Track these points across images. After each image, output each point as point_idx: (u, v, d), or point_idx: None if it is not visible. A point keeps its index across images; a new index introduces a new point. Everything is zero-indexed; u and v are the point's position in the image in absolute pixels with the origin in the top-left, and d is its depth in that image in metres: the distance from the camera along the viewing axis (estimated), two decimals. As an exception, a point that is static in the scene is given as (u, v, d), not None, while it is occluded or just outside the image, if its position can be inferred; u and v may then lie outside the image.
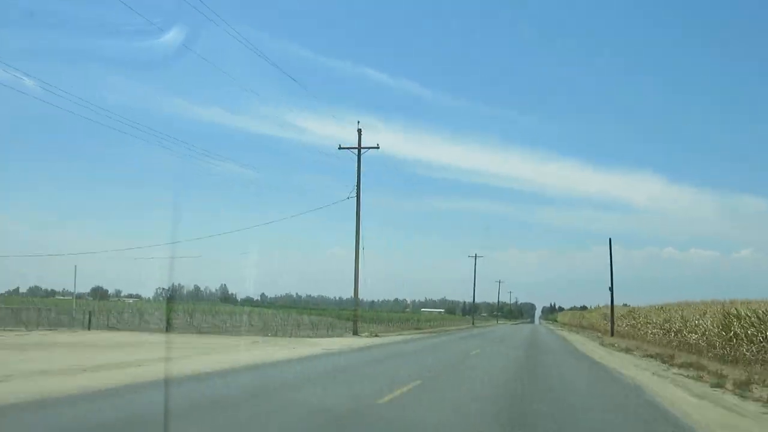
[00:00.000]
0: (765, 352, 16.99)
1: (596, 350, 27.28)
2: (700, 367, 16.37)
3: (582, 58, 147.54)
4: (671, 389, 12.34)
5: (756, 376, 13.47)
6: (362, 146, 34.57)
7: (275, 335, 30.44)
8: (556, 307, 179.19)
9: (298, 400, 9.48)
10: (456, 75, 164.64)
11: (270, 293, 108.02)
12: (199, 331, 31.89)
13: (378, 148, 34.80)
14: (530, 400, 10.30)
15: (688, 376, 14.83)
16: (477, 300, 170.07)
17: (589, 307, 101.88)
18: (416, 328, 55.56)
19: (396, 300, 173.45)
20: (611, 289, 44.61)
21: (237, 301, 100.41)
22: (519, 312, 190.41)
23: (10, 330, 27.05)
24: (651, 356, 21.96)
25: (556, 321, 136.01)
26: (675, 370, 16.82)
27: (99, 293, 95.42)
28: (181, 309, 45.12)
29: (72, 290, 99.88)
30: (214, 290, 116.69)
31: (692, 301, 29.77)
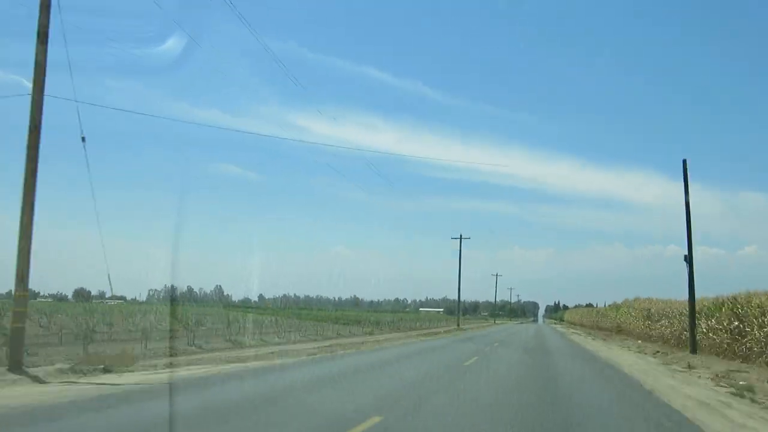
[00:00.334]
0: None
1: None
2: None
3: (583, 57, 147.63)
4: None
5: None
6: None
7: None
8: (561, 305, 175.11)
9: None
10: (457, 74, 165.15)
11: (267, 294, 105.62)
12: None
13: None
14: None
15: None
16: (478, 299, 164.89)
17: (595, 305, 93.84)
18: (397, 329, 50.88)
19: (397, 300, 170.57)
20: (689, 259, 24.67)
21: (233, 303, 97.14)
22: (521, 311, 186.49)
23: None
24: None
25: (562, 320, 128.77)
26: None
27: (82, 295, 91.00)
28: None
29: (53, 293, 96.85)
30: (208, 292, 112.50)
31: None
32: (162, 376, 13.21)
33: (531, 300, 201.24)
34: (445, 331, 52.40)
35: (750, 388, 12.78)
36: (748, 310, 20.08)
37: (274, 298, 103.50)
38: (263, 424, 8.14)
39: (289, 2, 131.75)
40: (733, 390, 12.88)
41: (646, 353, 26.12)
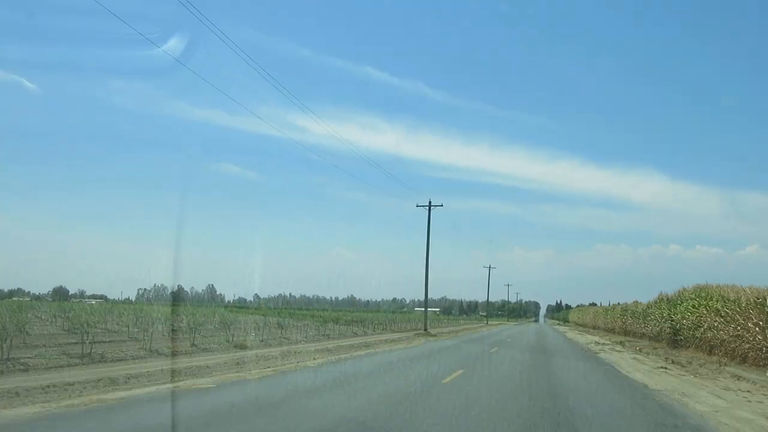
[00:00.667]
0: None
1: None
2: None
3: (583, 56, 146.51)
4: None
5: None
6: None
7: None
8: (563, 304, 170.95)
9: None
10: (457, 74, 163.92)
11: (263, 294, 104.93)
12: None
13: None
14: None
15: None
16: (477, 298, 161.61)
17: (599, 305, 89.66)
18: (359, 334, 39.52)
19: (394, 299, 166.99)
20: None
21: (227, 302, 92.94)
22: (521, 310, 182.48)
23: None
24: None
25: (566, 321, 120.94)
26: None
27: (60, 293, 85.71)
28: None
29: (33, 291, 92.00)
30: (200, 291, 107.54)
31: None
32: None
33: (532, 300, 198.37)
34: (390, 341, 32.57)
35: None
36: None
37: (270, 298, 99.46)
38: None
39: (289, 2, 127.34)
40: None
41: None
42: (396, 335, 40.07)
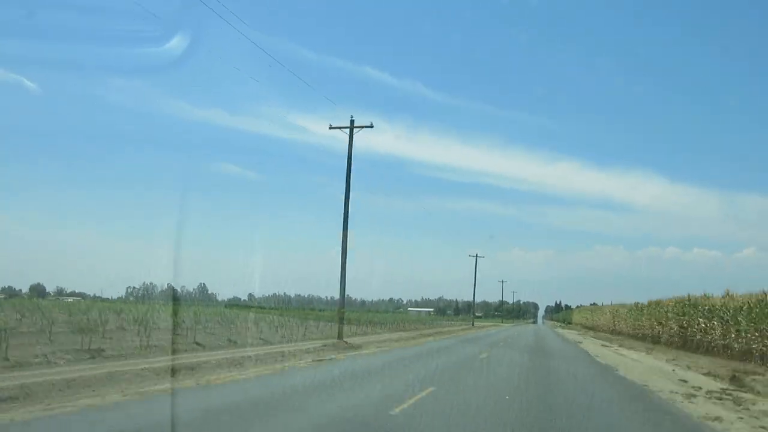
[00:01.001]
0: None
1: None
2: None
3: (583, 57, 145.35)
4: None
5: None
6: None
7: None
8: (562, 305, 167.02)
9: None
10: (456, 74, 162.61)
11: (258, 293, 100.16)
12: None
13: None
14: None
15: None
16: (474, 299, 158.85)
17: (600, 305, 79.16)
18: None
19: (391, 299, 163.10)
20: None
21: (218, 301, 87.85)
22: (519, 311, 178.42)
23: None
24: None
25: (568, 323, 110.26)
26: None
27: (37, 291, 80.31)
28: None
29: (10, 287, 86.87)
30: (191, 290, 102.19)
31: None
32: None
33: (531, 301, 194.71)
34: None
35: None
36: None
37: (264, 297, 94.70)
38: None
39: (289, 1, 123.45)
40: None
41: None
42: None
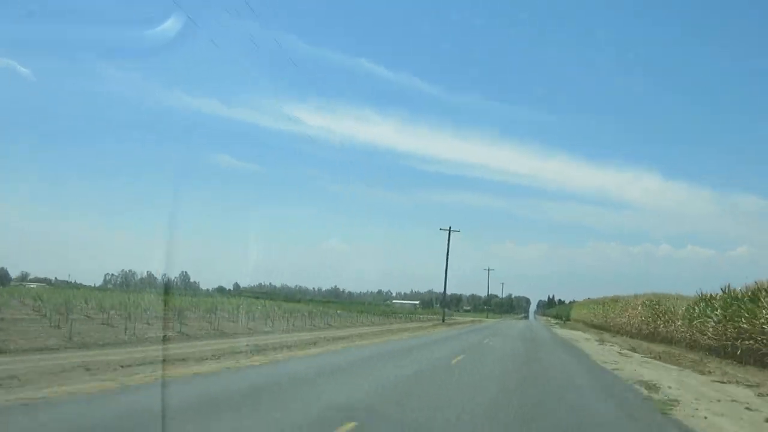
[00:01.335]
0: None
1: None
2: None
3: (579, 53, 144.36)
4: None
5: None
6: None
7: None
8: (556, 300, 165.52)
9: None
10: (454, 69, 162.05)
11: (243, 283, 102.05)
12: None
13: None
14: None
15: None
16: (464, 292, 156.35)
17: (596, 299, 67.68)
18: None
19: (380, 291, 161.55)
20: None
21: (202, 290, 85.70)
22: (510, 305, 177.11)
23: None
24: None
25: (564, 319, 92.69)
26: None
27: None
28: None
29: None
30: (172, 278, 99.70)
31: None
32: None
33: (523, 295, 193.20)
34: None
35: None
36: None
37: (250, 287, 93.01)
38: None
39: None
40: None
41: None
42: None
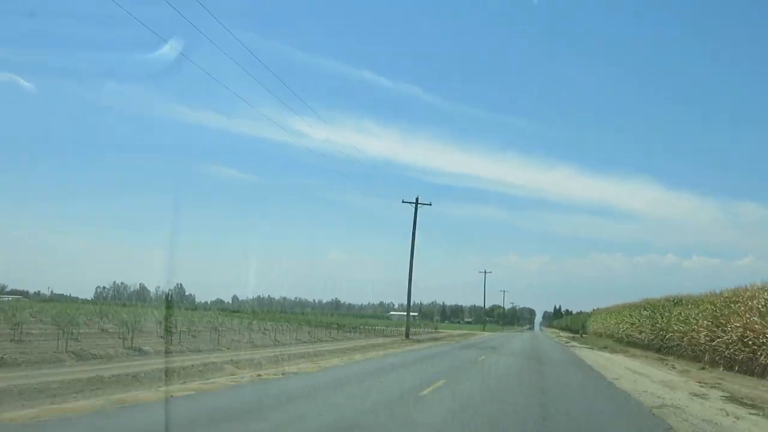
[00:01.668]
0: None
1: None
2: None
3: (580, 63, 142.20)
4: None
5: None
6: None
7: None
8: (563, 310, 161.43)
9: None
10: (454, 79, 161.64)
11: (242, 296, 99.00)
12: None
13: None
14: None
15: None
16: (466, 303, 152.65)
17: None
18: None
19: (381, 303, 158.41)
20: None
21: (196, 304, 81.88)
22: (514, 317, 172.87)
23: None
24: None
25: (580, 332, 73.04)
26: None
27: None
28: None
29: None
30: (167, 291, 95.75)
31: None
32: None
33: (527, 306, 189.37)
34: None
35: None
36: None
37: (248, 300, 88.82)
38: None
39: (286, 4, 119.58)
40: None
41: None
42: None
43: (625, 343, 40.58)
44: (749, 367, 19.43)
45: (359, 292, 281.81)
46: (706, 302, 25.74)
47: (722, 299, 24.10)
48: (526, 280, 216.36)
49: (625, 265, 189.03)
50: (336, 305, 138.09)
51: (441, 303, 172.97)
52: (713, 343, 22.75)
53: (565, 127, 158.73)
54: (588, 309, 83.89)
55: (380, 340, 39.60)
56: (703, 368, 22.27)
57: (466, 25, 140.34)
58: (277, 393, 12.03)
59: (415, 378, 15.72)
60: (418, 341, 42.98)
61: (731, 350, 20.92)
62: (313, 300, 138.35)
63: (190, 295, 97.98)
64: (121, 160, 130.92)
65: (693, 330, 25.60)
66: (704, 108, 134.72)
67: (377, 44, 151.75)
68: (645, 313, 36.61)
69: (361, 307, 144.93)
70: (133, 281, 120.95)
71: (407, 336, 47.98)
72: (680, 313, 28.56)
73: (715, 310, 23.68)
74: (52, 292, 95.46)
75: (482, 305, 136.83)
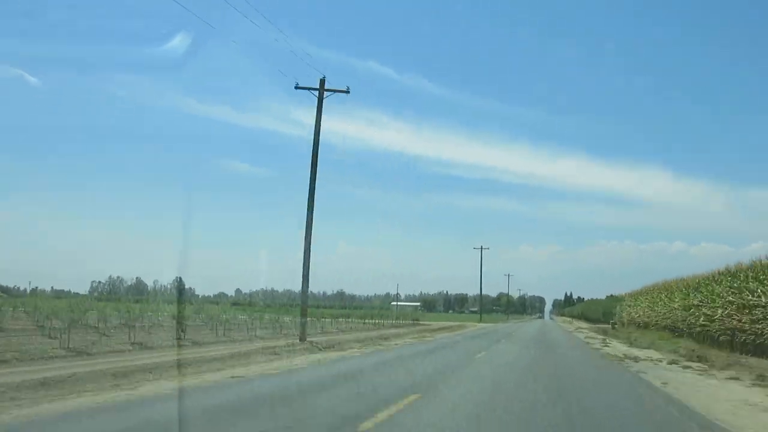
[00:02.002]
0: None
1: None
2: None
3: (591, 52, 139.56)
4: None
5: None
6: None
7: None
8: (574, 297, 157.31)
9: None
10: (462, 69, 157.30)
11: (245, 288, 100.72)
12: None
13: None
14: None
15: None
16: (471, 291, 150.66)
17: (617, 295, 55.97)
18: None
19: (387, 294, 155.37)
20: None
21: (198, 297, 78.13)
22: (522, 306, 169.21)
23: None
24: None
25: (613, 324, 50.72)
26: None
27: None
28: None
29: None
30: (166, 284, 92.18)
31: None
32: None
33: (537, 295, 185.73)
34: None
35: None
36: None
37: (252, 293, 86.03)
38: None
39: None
40: None
41: None
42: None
43: (675, 333, 28.26)
44: None
45: (365, 283, 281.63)
46: None
47: None
48: (535, 268, 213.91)
49: (635, 253, 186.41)
50: (341, 297, 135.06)
51: (453, 293, 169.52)
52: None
53: (573, 117, 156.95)
54: (600, 296, 76.43)
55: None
56: None
57: (474, 17, 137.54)
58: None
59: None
60: (395, 336, 31.82)
61: None
62: (318, 292, 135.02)
63: (190, 288, 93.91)
64: (122, 151, 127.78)
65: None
66: (712, 95, 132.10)
67: (384, 37, 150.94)
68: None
69: (367, 298, 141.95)
70: (129, 275, 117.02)
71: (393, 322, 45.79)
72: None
73: None
74: (35, 288, 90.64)
75: (489, 294, 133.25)
